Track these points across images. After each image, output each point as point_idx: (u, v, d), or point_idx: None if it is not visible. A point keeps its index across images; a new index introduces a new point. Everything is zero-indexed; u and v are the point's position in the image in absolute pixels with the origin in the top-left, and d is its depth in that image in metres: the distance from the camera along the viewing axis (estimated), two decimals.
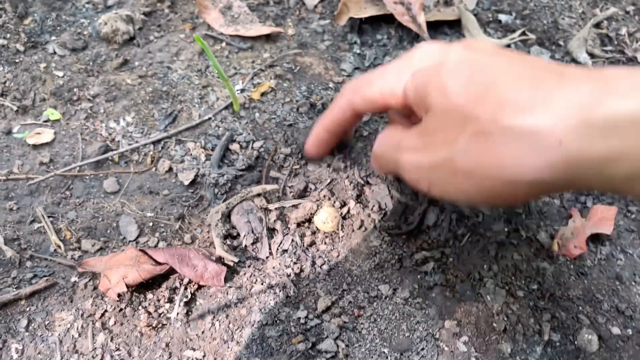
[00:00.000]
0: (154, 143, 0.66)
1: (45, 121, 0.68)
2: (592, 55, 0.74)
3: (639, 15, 0.80)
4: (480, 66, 0.38)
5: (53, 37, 0.77)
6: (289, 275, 0.56)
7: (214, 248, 0.57)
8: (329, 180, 0.61)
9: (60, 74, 0.72)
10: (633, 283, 0.58)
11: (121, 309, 0.54)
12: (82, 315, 0.54)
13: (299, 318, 0.53)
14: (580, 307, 0.56)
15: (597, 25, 0.79)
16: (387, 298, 0.55)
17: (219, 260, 0.56)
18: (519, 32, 0.78)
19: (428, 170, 0.41)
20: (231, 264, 0.56)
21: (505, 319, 0.54)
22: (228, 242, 0.58)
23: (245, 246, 0.58)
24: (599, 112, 0.31)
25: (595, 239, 0.60)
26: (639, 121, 0.29)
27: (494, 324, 0.54)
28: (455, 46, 0.42)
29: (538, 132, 0.32)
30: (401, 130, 0.47)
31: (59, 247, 0.58)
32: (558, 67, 0.36)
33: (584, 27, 0.78)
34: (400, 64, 0.46)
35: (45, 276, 0.56)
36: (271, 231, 0.59)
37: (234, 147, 0.66)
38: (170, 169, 0.64)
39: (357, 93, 0.49)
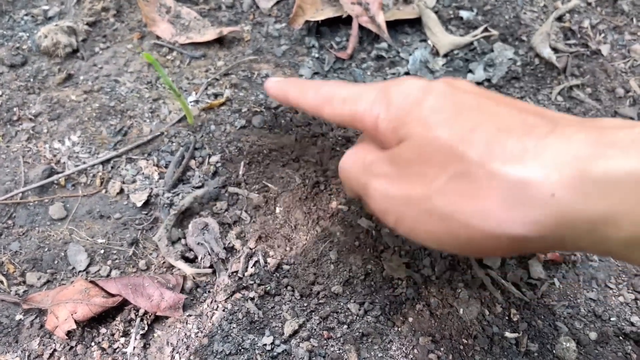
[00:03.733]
0: (103, 163, 0.62)
1: None
2: (555, 50, 0.73)
3: (601, 7, 0.79)
4: (466, 105, 0.35)
5: None
6: (252, 299, 0.53)
7: (171, 274, 0.53)
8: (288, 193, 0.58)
9: None
10: (609, 284, 0.56)
11: (72, 347, 0.50)
12: (29, 356, 0.50)
13: (265, 345, 0.50)
14: (557, 314, 0.54)
15: (560, 19, 0.77)
16: (358, 317, 0.52)
17: (176, 287, 0.53)
18: (481, 28, 0.76)
19: (399, 204, 0.37)
20: (191, 277, 0.53)
21: (481, 331, 0.52)
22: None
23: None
24: (597, 167, 0.27)
25: None
26: None
27: (470, 338, 0.52)
28: (437, 83, 0.38)
29: (528, 184, 0.29)
30: (374, 150, 0.42)
31: (2, 282, 0.54)
32: (548, 112, 0.33)
33: (547, 21, 0.76)
34: (376, 94, 0.40)
35: None
36: (230, 251, 0.56)
37: (190, 162, 0.62)
38: (122, 191, 0.60)
39: (329, 104, 0.44)
